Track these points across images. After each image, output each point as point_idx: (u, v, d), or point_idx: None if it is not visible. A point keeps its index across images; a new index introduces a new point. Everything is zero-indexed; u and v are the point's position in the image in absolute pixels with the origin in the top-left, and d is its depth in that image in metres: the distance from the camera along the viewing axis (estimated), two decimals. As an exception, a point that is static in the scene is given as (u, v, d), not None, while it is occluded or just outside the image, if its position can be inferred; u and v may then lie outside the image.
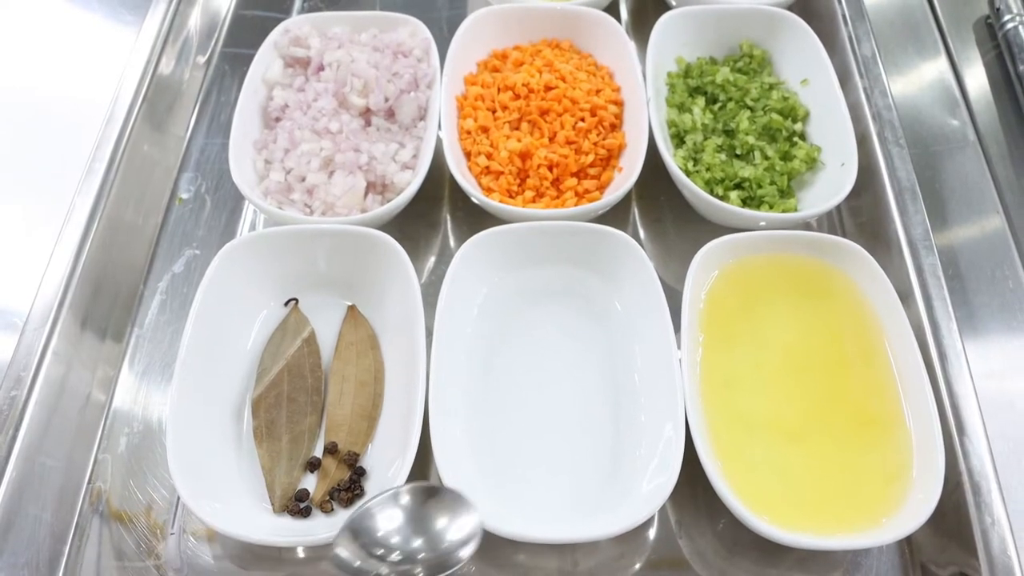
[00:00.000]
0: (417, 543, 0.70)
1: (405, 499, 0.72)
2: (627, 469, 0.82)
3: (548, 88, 1.06)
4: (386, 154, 1.00)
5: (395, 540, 0.70)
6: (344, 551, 0.69)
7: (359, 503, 0.81)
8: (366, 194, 0.98)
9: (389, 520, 0.71)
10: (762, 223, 0.95)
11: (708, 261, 0.91)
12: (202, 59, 1.23)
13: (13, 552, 0.78)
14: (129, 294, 0.99)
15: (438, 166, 1.03)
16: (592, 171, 1.02)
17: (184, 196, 1.09)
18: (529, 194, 1.00)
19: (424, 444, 0.78)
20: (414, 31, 1.13)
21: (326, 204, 0.97)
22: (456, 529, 0.71)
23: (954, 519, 0.79)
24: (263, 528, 0.79)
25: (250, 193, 0.96)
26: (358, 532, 0.70)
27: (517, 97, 1.06)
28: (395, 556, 0.69)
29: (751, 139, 1.03)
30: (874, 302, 0.90)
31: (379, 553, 0.69)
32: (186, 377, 0.83)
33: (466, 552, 0.70)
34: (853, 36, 1.15)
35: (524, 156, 1.01)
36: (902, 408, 0.83)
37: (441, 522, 0.71)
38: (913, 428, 0.81)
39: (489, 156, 1.02)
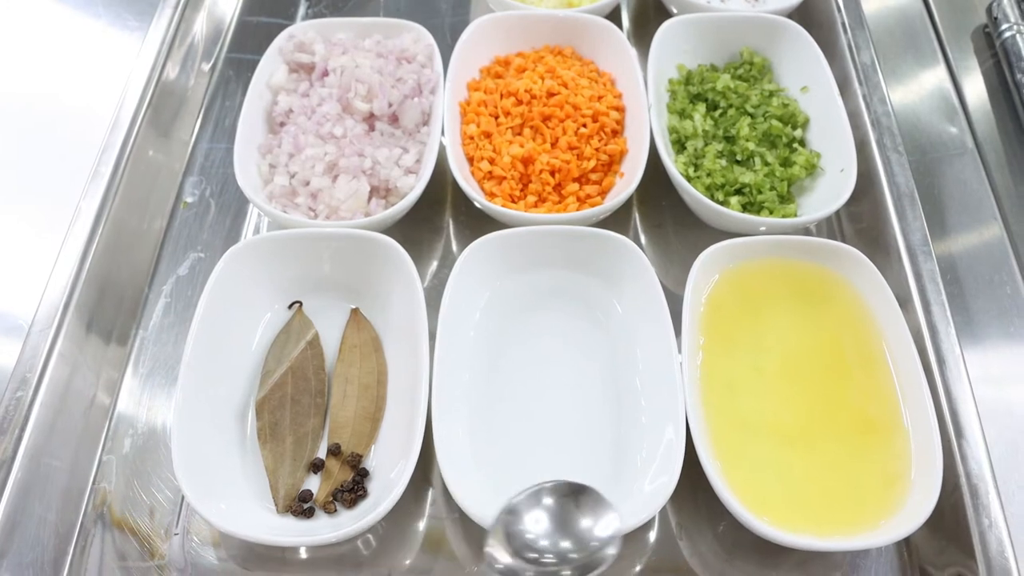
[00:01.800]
0: (566, 542, 0.69)
1: (551, 496, 0.71)
2: (628, 471, 0.83)
3: (550, 94, 1.07)
4: (390, 159, 1.01)
5: (544, 540, 0.69)
6: (496, 549, 0.68)
7: (362, 505, 0.82)
8: (370, 198, 0.99)
9: (536, 520, 0.70)
10: (762, 228, 0.96)
11: (709, 266, 0.91)
12: (207, 65, 1.24)
13: (18, 552, 0.79)
14: (134, 297, 1.00)
15: (441, 171, 1.04)
16: (594, 176, 1.03)
17: (189, 200, 1.09)
18: (531, 199, 1.01)
19: (427, 446, 0.79)
20: (417, 37, 1.14)
21: (330, 208, 0.98)
22: (602, 528, 0.69)
23: (952, 521, 0.80)
24: (267, 528, 0.80)
25: (255, 197, 0.97)
26: (510, 532, 0.69)
27: (520, 103, 1.07)
28: (547, 556, 0.68)
29: (751, 145, 1.04)
30: (873, 307, 0.90)
31: (530, 555, 0.68)
32: (191, 379, 0.83)
33: (611, 552, 0.68)
34: (852, 44, 1.16)
35: (526, 161, 1.02)
36: (901, 412, 0.84)
37: (586, 521, 0.70)
38: (912, 431, 0.82)
39: (492, 161, 1.03)
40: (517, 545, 0.68)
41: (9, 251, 0.96)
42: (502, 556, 0.67)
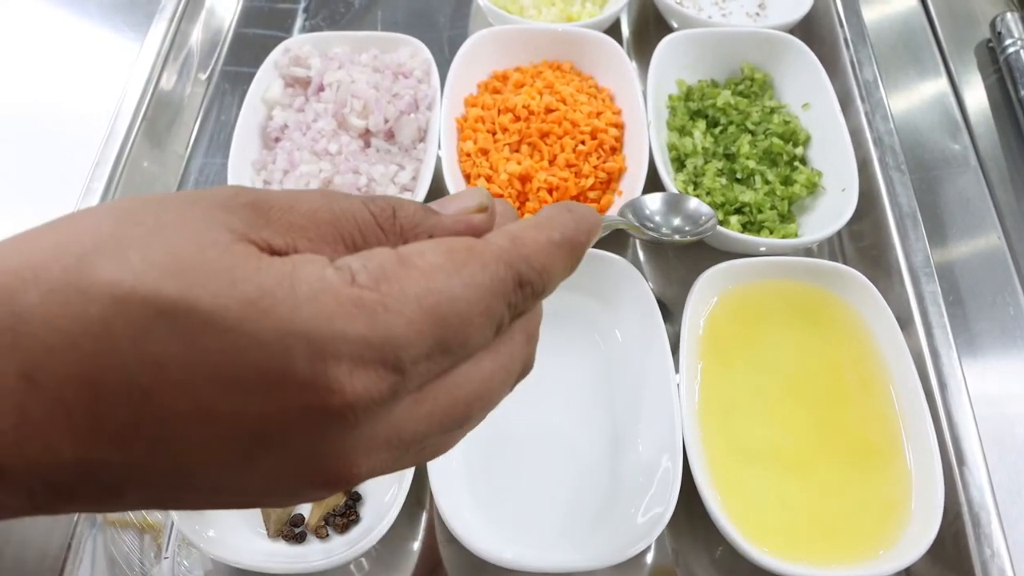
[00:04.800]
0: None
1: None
2: (624, 498, 0.81)
3: (548, 110, 1.06)
4: (385, 176, 1.00)
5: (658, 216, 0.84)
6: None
7: (354, 530, 0.81)
8: (365, 216, 0.98)
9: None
10: (762, 248, 0.95)
11: (708, 287, 0.90)
12: (203, 76, 1.23)
13: (5, 574, 0.78)
14: (126, 314, 0.99)
15: (437, 188, 1.03)
16: (592, 195, 1.02)
17: (183, 215, 1.08)
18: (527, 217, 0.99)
19: (420, 470, 0.78)
20: (415, 52, 1.13)
21: (325, 226, 0.96)
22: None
23: (953, 551, 0.78)
24: (257, 554, 0.78)
25: (249, 214, 0.96)
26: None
27: (517, 119, 1.06)
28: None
29: (752, 163, 1.02)
30: (874, 329, 0.89)
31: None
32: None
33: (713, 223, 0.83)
34: (855, 60, 1.14)
35: (524, 179, 1.01)
36: (901, 438, 0.82)
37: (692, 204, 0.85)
38: (912, 458, 0.81)
39: (489, 179, 1.02)
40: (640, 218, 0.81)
41: (0, 267, 0.94)
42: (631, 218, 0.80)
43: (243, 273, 0.27)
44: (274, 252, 0.30)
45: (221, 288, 0.27)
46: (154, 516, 0.85)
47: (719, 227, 0.95)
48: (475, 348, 0.32)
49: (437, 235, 0.34)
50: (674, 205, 0.83)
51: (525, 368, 0.37)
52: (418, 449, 0.32)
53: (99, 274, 0.27)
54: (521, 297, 0.33)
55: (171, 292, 0.26)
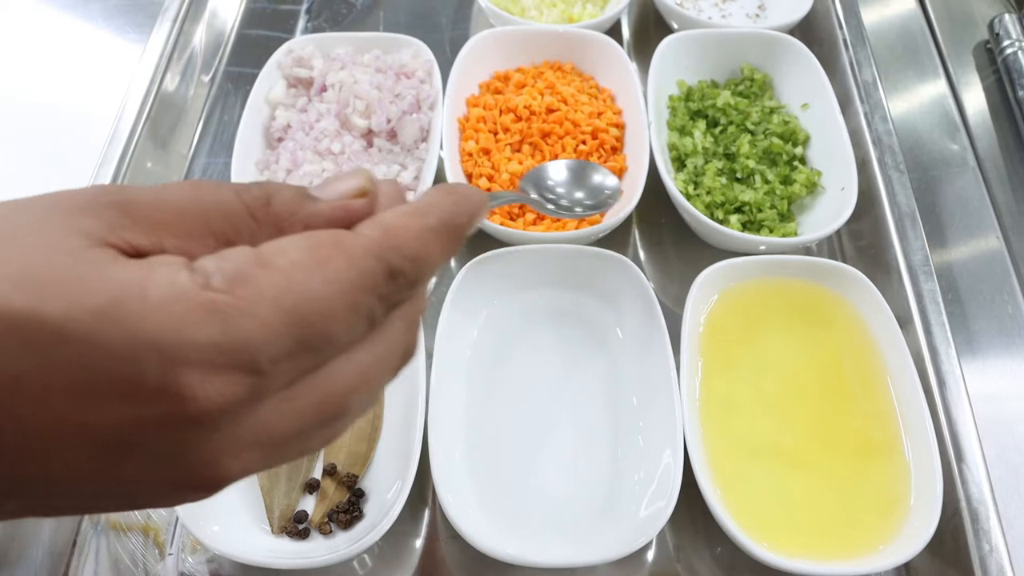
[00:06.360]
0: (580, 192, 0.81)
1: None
2: (626, 493, 0.82)
3: (550, 110, 1.06)
4: (388, 175, 1.01)
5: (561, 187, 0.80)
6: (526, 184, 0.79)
7: (358, 526, 0.81)
8: (367, 215, 0.98)
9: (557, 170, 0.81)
10: (762, 247, 0.96)
11: (708, 285, 0.91)
12: (206, 77, 1.23)
13: (10, 572, 0.78)
14: (130, 313, 0.99)
15: (440, 188, 1.03)
16: (593, 194, 1.03)
17: (186, 215, 1.09)
18: (530, 216, 1.00)
19: (423, 466, 0.78)
20: (417, 52, 1.14)
21: (328, 225, 0.97)
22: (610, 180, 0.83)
23: (952, 546, 0.79)
24: (261, 550, 0.79)
25: (252, 214, 0.96)
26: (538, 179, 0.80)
27: (519, 119, 1.07)
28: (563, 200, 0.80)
29: (752, 163, 1.03)
30: (873, 328, 0.90)
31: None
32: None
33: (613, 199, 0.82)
34: (854, 61, 1.15)
35: (525, 178, 1.01)
36: (901, 435, 0.83)
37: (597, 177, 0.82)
38: (912, 455, 0.82)
39: (490, 178, 1.02)
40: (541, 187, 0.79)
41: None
42: (531, 190, 0.78)
43: (95, 282, 0.27)
44: (139, 253, 0.29)
45: (72, 299, 0.26)
46: (158, 513, 0.86)
47: (719, 226, 0.95)
48: (345, 343, 0.32)
49: (314, 224, 0.34)
50: (580, 174, 0.81)
51: (406, 356, 0.36)
52: (299, 443, 0.33)
53: None
54: (395, 288, 0.32)
55: (20, 304, 0.26)
